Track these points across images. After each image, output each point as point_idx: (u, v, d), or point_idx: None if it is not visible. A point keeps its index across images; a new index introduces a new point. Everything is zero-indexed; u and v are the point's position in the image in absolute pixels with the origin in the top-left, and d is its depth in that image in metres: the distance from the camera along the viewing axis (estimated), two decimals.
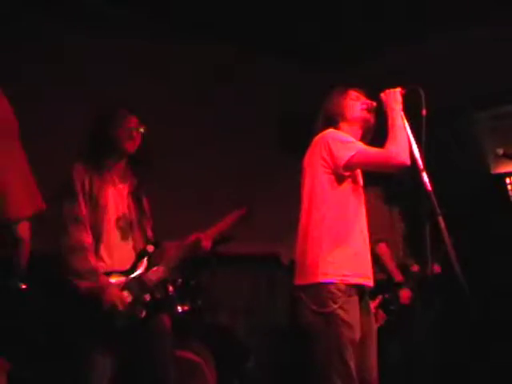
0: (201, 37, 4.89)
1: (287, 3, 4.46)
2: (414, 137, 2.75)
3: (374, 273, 3.91)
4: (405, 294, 4.03)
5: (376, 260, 3.94)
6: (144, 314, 2.76)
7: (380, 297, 3.79)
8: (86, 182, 2.79)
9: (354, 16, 4.64)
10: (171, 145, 4.60)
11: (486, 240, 4.11)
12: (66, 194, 2.77)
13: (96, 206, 2.78)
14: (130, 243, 2.87)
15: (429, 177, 2.72)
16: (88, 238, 2.74)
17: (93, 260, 2.72)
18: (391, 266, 4.04)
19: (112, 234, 2.82)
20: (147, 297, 2.80)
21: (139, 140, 2.92)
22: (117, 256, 2.82)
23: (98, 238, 2.78)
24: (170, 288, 3.74)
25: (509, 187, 5.01)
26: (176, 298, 3.78)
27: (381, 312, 3.80)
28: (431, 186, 2.70)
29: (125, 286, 2.75)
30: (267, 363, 4.83)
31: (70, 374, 2.89)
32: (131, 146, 2.89)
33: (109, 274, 2.76)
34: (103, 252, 2.79)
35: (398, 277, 4.05)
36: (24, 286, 2.50)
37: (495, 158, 4.90)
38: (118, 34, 4.52)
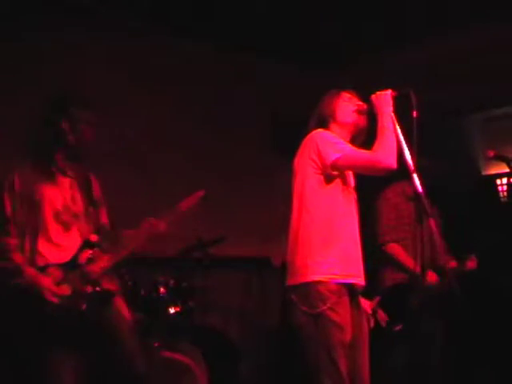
0: (197, 37, 4.90)
1: (285, 4, 4.44)
2: (405, 139, 2.76)
3: (395, 273, 3.91)
4: (431, 276, 3.83)
5: (391, 260, 3.91)
6: (84, 306, 2.69)
7: (378, 297, 3.72)
8: (16, 181, 2.76)
9: (351, 18, 4.64)
10: (162, 143, 4.61)
11: (477, 241, 4.12)
12: None
13: (30, 202, 2.75)
14: (76, 235, 2.82)
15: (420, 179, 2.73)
16: (11, 239, 2.71)
17: (17, 258, 2.69)
18: (406, 260, 3.82)
19: (52, 228, 2.77)
20: (88, 288, 2.73)
21: (87, 135, 2.86)
22: (60, 249, 2.77)
23: (34, 234, 2.74)
24: (162, 289, 3.76)
25: (499, 188, 5.03)
26: (167, 300, 3.78)
27: (381, 312, 3.71)
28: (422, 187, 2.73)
29: (63, 279, 2.69)
30: (258, 364, 4.83)
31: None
32: (74, 140, 2.84)
33: (44, 268, 2.70)
34: (42, 247, 2.74)
35: (416, 268, 3.91)
36: None
37: (486, 160, 4.91)
38: (114, 35, 4.53)
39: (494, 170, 4.96)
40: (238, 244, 4.33)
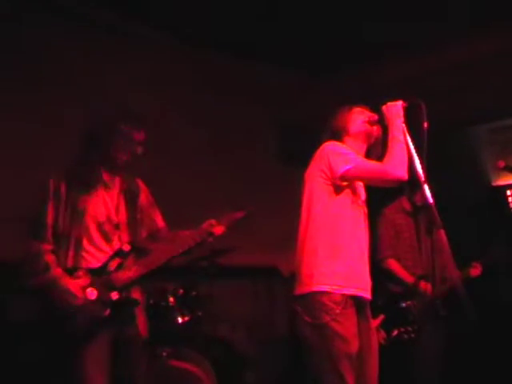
0: (200, 45, 4.92)
1: (288, 11, 4.45)
2: (416, 150, 2.75)
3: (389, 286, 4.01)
4: (426, 286, 3.92)
5: (390, 275, 4.07)
6: (108, 312, 2.72)
7: (382, 316, 3.76)
8: (62, 189, 2.80)
9: (356, 27, 4.64)
10: (168, 155, 4.61)
11: (488, 251, 4.11)
12: (40, 200, 2.80)
13: (74, 211, 2.79)
14: (117, 245, 2.85)
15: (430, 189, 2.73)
16: (46, 245, 2.75)
17: (48, 259, 2.72)
18: (403, 275, 4.03)
19: (95, 236, 2.81)
20: (113, 296, 2.76)
21: (135, 151, 2.88)
22: (101, 257, 2.81)
23: (79, 241, 2.78)
24: (171, 298, 3.77)
25: (509, 199, 5.01)
26: (176, 309, 3.78)
27: (382, 331, 3.77)
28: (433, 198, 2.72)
29: (91, 283, 2.73)
30: (266, 374, 4.81)
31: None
32: (127, 162, 2.88)
33: (73, 270, 2.73)
34: (86, 254, 2.79)
35: (410, 279, 4.00)
36: None
37: (495, 171, 4.90)
38: (118, 40, 4.58)
39: (503, 181, 4.95)
40: (246, 253, 4.32)
